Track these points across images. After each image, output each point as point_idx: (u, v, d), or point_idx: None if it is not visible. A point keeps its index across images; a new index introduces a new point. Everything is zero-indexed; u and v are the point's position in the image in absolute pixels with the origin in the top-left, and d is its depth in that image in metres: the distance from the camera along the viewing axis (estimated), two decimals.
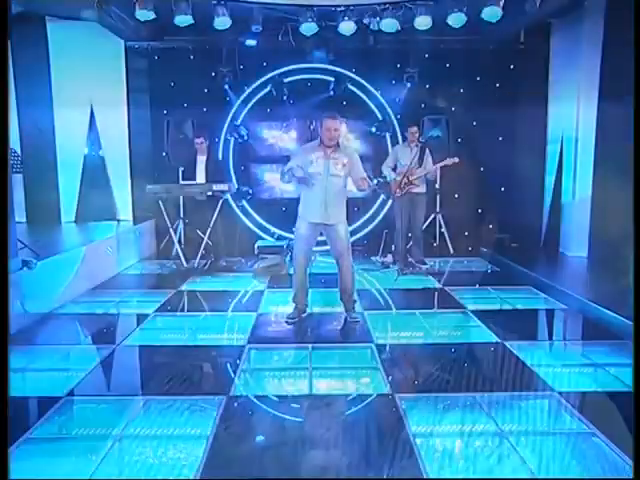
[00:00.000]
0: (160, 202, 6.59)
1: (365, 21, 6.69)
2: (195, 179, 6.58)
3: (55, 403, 3.00)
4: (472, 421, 2.82)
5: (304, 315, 4.65)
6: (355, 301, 4.67)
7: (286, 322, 4.54)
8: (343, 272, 4.50)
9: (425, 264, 6.64)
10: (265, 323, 4.63)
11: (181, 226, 7.47)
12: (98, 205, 7.87)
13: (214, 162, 6.75)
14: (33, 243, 5.10)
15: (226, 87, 7.70)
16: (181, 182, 6.67)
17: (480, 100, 7.73)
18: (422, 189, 6.51)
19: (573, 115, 6.92)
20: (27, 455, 2.52)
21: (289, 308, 5.07)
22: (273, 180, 7.92)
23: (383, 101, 7.84)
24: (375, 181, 4.36)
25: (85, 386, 3.30)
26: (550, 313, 4.97)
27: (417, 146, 6.44)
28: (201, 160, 6.65)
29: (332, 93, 7.69)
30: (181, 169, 7.46)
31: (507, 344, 3.95)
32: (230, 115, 7.83)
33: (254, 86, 7.80)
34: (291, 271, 6.43)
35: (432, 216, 7.59)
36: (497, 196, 7.96)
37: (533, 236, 7.77)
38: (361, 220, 8.02)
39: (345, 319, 4.62)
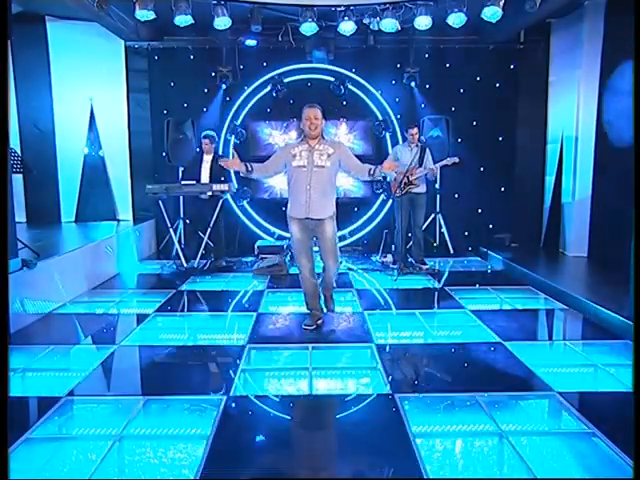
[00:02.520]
0: (160, 202, 6.59)
1: (365, 21, 6.68)
2: (200, 179, 6.59)
3: (55, 403, 3.00)
4: (472, 421, 2.83)
5: (320, 322, 4.44)
6: (334, 287, 4.58)
7: (304, 329, 4.39)
8: (326, 271, 4.40)
9: (425, 264, 6.64)
10: (265, 323, 4.63)
11: (181, 226, 7.48)
12: (98, 205, 7.89)
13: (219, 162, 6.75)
14: (33, 243, 5.11)
15: (226, 87, 7.71)
16: (181, 182, 6.67)
17: (480, 100, 7.74)
18: (422, 189, 6.51)
19: (573, 115, 6.92)
20: (27, 455, 2.52)
21: (289, 308, 5.09)
22: (273, 180, 7.91)
23: (383, 101, 7.85)
24: (379, 170, 4.18)
25: (85, 386, 3.30)
26: (550, 313, 4.97)
27: (417, 146, 6.44)
28: (207, 160, 6.66)
29: (332, 93, 7.68)
30: (181, 169, 7.46)
31: (507, 344, 3.96)
32: (230, 115, 7.83)
33: (254, 86, 7.80)
34: (291, 271, 6.46)
35: (432, 216, 7.59)
36: (497, 196, 7.96)
37: (533, 236, 7.78)
38: (361, 220, 8.02)
39: (342, 318, 4.63)
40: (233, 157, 4.16)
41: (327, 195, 4.19)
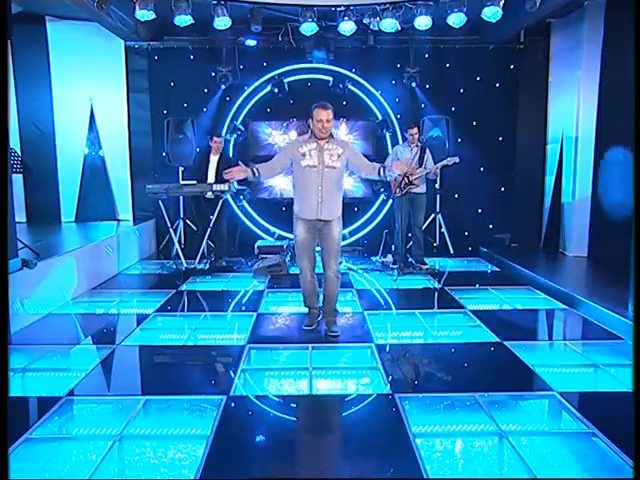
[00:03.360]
0: (160, 202, 6.59)
1: (365, 21, 6.68)
2: (207, 178, 6.58)
3: (55, 403, 3.00)
4: (472, 421, 2.82)
5: (319, 319, 4.42)
6: (337, 313, 4.43)
7: (304, 329, 4.35)
8: (329, 277, 4.23)
9: (425, 264, 6.63)
10: (265, 323, 4.63)
11: (181, 226, 7.47)
12: (98, 205, 7.89)
13: (226, 162, 6.74)
14: (33, 243, 5.11)
15: (226, 87, 7.71)
16: (181, 182, 6.66)
17: (480, 100, 7.73)
18: (422, 189, 6.51)
19: (573, 115, 6.92)
20: (27, 455, 2.52)
21: (289, 308, 5.08)
22: (273, 180, 7.91)
23: (383, 101, 7.85)
24: (388, 170, 4.15)
25: (85, 386, 3.30)
26: (550, 313, 4.97)
27: (417, 146, 6.44)
28: (213, 160, 6.65)
29: (332, 93, 7.68)
30: (181, 169, 7.46)
31: (507, 344, 3.95)
32: (230, 115, 7.83)
33: (254, 86, 7.81)
34: (291, 271, 6.46)
35: (432, 216, 7.59)
36: (497, 196, 7.96)
37: (533, 236, 7.78)
38: (361, 220, 8.02)
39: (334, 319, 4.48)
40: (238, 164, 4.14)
41: (337, 195, 4.18)
